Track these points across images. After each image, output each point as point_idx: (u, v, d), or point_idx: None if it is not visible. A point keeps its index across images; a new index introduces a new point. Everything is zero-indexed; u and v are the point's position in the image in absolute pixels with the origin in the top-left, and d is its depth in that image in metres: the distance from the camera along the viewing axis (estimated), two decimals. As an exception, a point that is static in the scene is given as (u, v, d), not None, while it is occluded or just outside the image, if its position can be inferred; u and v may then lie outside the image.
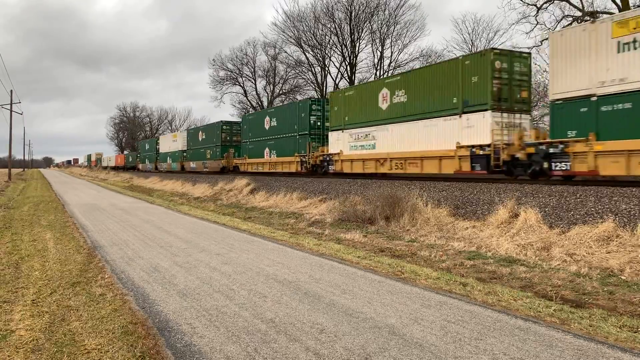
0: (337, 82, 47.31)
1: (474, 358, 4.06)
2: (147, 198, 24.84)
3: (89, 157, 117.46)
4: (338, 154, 20.70)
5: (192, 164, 40.27)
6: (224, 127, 34.64)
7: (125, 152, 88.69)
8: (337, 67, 47.32)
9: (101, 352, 4.29)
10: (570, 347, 4.30)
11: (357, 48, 45.74)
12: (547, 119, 14.93)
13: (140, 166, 61.05)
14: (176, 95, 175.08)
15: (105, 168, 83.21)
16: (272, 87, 55.47)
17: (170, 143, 47.59)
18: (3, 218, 15.05)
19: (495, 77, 13.77)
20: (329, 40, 46.41)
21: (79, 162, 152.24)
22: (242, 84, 56.90)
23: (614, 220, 8.71)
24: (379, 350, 4.24)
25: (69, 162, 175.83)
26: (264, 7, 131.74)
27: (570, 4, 25.99)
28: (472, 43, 44.72)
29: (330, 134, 21.54)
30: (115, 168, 76.77)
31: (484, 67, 13.91)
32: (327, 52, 47.02)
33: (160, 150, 51.07)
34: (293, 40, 47.71)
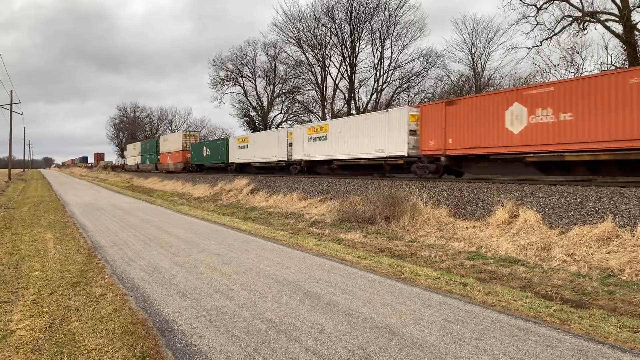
0: (337, 82, 47.36)
1: (474, 358, 4.06)
2: (147, 198, 24.83)
3: (151, 147, 53.31)
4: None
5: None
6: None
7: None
8: (337, 68, 47.39)
9: (101, 352, 4.29)
10: (570, 347, 4.30)
11: (357, 48, 45.79)
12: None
13: None
14: (190, 95, 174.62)
15: (239, 170, 33.11)
16: (272, 87, 55.55)
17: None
18: (3, 218, 15.05)
19: None
20: (329, 41, 46.48)
21: (104, 160, 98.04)
22: (242, 84, 56.96)
23: (613, 220, 8.71)
24: (379, 350, 4.24)
25: (83, 159, 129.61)
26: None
27: (570, 4, 25.97)
28: (472, 43, 44.79)
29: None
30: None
31: None
32: (327, 52, 47.07)
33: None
34: (293, 41, 47.80)
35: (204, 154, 38.73)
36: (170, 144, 47.11)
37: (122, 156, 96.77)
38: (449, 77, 46.42)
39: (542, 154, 13.09)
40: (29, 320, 5.16)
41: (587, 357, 4.07)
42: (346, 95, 47.14)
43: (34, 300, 5.92)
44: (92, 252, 9.12)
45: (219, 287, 6.47)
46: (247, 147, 31.55)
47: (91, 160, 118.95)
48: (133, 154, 62.37)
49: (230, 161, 34.05)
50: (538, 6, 26.61)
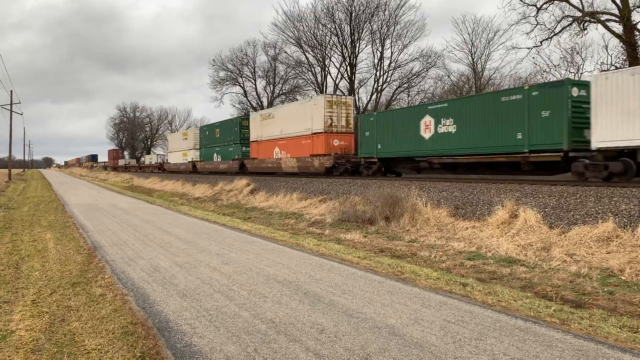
0: (337, 82, 47.35)
1: (474, 358, 4.06)
2: (147, 198, 24.83)
3: (228, 132, 30.78)
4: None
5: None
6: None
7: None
8: (337, 68, 47.39)
9: (101, 353, 4.29)
10: (570, 347, 4.30)
11: (357, 48, 45.79)
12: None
13: None
14: (195, 96, 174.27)
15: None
16: (272, 87, 55.53)
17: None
18: (3, 218, 15.05)
19: None
20: (329, 41, 46.48)
21: (124, 159, 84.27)
22: (242, 85, 56.93)
23: (614, 220, 8.70)
24: (379, 350, 4.24)
25: (92, 157, 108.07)
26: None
27: (570, 4, 25.97)
28: (472, 43, 44.81)
29: None
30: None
31: None
32: (327, 52, 47.08)
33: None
34: (293, 41, 47.78)
35: (426, 135, 16.49)
36: (284, 123, 24.38)
37: (120, 156, 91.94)
38: (449, 77, 46.49)
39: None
40: (29, 320, 5.16)
41: (587, 357, 4.07)
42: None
43: (34, 301, 5.92)
44: (92, 252, 9.12)
45: (219, 287, 6.47)
46: None
47: (102, 158, 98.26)
48: (182, 147, 40.38)
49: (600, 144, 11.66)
50: (538, 6, 26.60)
